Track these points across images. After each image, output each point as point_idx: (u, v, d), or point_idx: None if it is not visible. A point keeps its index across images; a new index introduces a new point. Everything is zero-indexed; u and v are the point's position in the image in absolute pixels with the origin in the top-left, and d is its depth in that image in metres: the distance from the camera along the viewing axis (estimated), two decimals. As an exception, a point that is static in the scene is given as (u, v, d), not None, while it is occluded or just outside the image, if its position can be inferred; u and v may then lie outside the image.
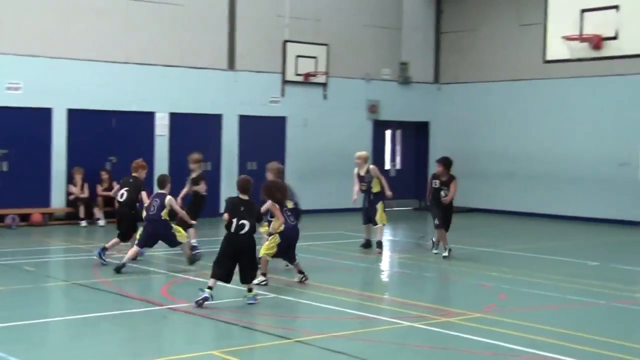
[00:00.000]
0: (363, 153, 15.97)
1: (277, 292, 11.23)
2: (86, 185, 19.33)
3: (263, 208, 11.43)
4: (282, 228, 11.76)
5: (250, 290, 10.52)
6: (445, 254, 14.68)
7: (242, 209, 10.36)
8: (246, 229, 10.29)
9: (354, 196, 15.58)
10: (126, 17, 19.86)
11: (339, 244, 16.63)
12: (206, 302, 10.19)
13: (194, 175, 14.90)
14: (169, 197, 12.90)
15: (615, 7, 13.02)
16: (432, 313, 10.16)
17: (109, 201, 19.46)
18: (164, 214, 12.84)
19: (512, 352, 8.45)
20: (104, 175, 19.52)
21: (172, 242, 13.11)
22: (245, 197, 10.53)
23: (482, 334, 9.15)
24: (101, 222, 19.08)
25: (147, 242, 13.01)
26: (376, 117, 23.90)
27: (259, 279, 11.53)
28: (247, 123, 21.63)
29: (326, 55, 22.42)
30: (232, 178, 21.22)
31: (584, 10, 13.40)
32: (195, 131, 20.82)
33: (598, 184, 21.31)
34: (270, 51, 21.82)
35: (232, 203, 10.48)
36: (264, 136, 21.92)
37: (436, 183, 14.87)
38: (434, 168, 15.96)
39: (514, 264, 14.00)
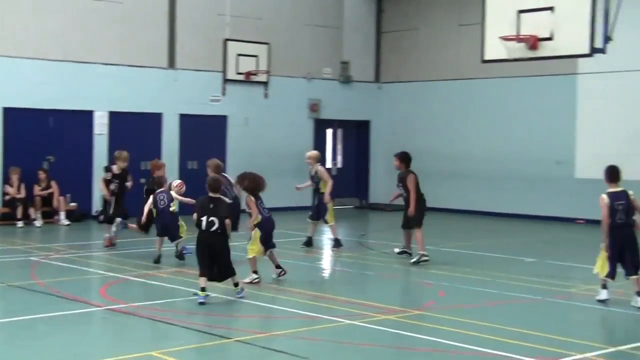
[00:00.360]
0: (312, 153, 16.13)
1: (219, 292, 11.18)
2: (23, 186, 19.00)
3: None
4: (258, 219, 11.84)
5: (236, 284, 10.72)
6: (413, 259, 13.92)
7: (210, 206, 10.57)
8: (216, 225, 10.47)
9: (299, 185, 15.78)
10: (64, 14, 19.58)
11: (280, 242, 16.59)
12: (203, 301, 10.34)
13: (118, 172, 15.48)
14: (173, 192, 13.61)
15: (551, 8, 13.23)
16: (373, 311, 10.22)
17: (47, 201, 19.23)
18: (173, 205, 13.54)
19: (450, 348, 8.54)
20: (42, 175, 19.23)
21: (174, 236, 13.63)
22: (215, 195, 10.75)
23: (421, 331, 9.24)
24: (38, 223, 18.78)
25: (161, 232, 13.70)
26: (317, 116, 23.95)
27: (251, 276, 11.74)
28: (187, 122, 21.50)
29: (267, 54, 22.39)
30: (173, 177, 21.08)
31: (520, 11, 13.56)
32: (135, 130, 20.62)
33: (535, 182, 21.66)
34: (210, 50, 21.71)
35: (201, 202, 10.71)
36: (205, 135, 21.80)
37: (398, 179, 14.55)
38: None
39: (454, 262, 14.16)
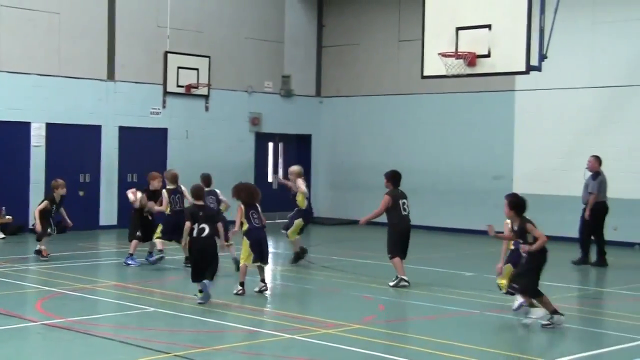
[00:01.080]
0: (294, 168, 15.96)
1: (160, 307, 11.08)
2: (-43, 198, 18.61)
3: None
4: (244, 228, 12.07)
5: (201, 290, 11.22)
6: (391, 282, 13.20)
7: (200, 214, 11.30)
8: (207, 231, 11.26)
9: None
10: (0, 24, 19.27)
11: (220, 257, 16.50)
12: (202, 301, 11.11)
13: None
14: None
15: (488, 26, 13.47)
16: (313, 325, 10.22)
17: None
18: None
19: (389, 362, 8.59)
20: (-24, 187, 18.85)
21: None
22: (200, 203, 11.60)
23: (360, 345, 9.26)
24: (-28, 236, 18.41)
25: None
26: (258, 129, 23.94)
27: (237, 288, 12.01)
28: (127, 134, 21.28)
29: (208, 67, 22.32)
30: (112, 190, 20.93)
31: (459, 29, 13.79)
32: (73, 142, 20.35)
33: (474, 196, 21.91)
34: (151, 62, 21.56)
35: (191, 211, 11.43)
36: (145, 148, 21.60)
37: None
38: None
39: (393, 276, 14.21)
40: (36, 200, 16.84)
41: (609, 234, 17.16)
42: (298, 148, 25.43)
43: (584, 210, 16.37)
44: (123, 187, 19.82)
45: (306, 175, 25.30)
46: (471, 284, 13.67)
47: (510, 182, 21.22)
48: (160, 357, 8.63)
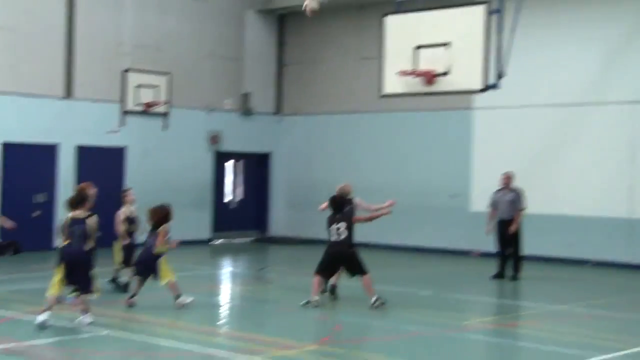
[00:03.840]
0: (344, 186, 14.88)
1: (112, 328, 10.91)
2: None
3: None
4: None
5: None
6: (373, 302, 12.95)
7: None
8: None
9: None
10: (-45, 41, 19.03)
11: (179, 277, 16.37)
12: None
13: None
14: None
15: (447, 44, 13.54)
16: (270, 346, 10.13)
17: None
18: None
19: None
20: None
21: None
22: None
23: (316, 366, 9.19)
24: None
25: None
26: (217, 148, 23.81)
27: (180, 299, 12.44)
28: (85, 153, 21.04)
29: (167, 85, 22.17)
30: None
31: (417, 47, 13.85)
32: (29, 161, 20.07)
33: (432, 215, 21.97)
34: (109, 80, 21.35)
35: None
36: (103, 167, 21.35)
37: None
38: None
39: (350, 295, 14.15)
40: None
41: (563, 251, 17.28)
42: (257, 166, 25.35)
43: (501, 224, 16.70)
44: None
45: (265, 193, 25.34)
46: (428, 303, 13.66)
47: (467, 201, 21.33)
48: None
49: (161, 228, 12.87)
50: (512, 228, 16.53)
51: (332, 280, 13.61)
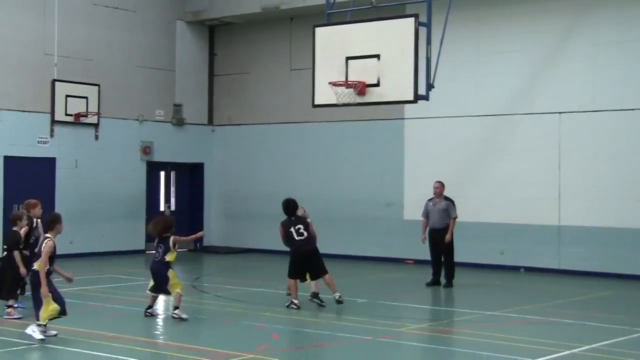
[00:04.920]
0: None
1: (55, 343, 10.75)
2: None
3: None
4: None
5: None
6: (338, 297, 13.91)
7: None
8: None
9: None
10: None
11: (112, 287, 16.23)
12: None
13: None
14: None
15: (377, 56, 13.74)
16: (206, 356, 10.11)
17: None
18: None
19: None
20: None
21: None
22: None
23: (254, 375, 9.21)
24: None
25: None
26: (150, 158, 23.65)
27: (178, 311, 12.57)
28: (12, 164, 20.69)
29: (97, 95, 21.96)
30: (-3, 222, 20.28)
31: (348, 58, 14.01)
32: (-45, 173, 19.68)
33: (366, 223, 22.15)
34: (38, 90, 21.06)
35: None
36: (32, 178, 21.01)
37: None
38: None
39: (286, 304, 14.22)
40: None
41: (495, 258, 17.53)
42: (190, 177, 25.25)
43: (433, 233, 16.97)
44: (7, 219, 19.19)
45: (199, 204, 25.23)
46: (364, 311, 13.79)
47: (401, 209, 21.58)
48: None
49: (173, 238, 13.00)
50: (448, 237, 16.74)
51: (312, 288, 14.06)
